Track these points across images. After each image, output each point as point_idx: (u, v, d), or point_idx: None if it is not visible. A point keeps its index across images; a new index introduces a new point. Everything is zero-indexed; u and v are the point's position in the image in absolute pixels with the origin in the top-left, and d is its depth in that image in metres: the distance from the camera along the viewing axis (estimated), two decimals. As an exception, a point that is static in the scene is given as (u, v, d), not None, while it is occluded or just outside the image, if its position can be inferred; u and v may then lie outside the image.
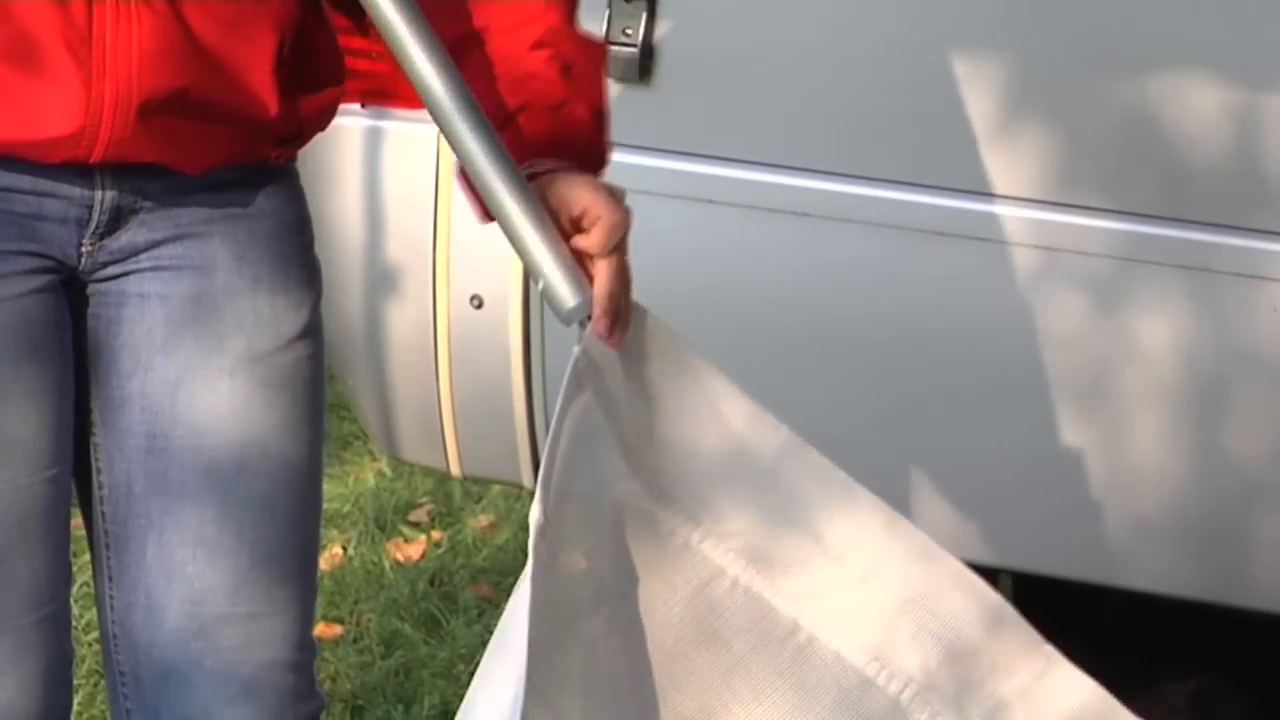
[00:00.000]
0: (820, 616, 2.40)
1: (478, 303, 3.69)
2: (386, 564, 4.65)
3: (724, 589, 2.38)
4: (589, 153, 2.44)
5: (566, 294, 2.31)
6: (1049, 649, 2.48)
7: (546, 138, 2.41)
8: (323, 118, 2.59)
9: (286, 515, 2.46)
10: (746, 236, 3.54)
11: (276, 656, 2.51)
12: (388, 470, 5.11)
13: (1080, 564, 3.51)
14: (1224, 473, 3.45)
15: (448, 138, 2.37)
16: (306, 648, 2.55)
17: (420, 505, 5.01)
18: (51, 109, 2.40)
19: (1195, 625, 3.86)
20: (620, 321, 2.32)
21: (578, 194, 2.33)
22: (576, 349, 2.32)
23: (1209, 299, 3.40)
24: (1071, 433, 3.48)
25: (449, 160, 3.56)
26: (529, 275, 2.42)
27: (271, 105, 2.46)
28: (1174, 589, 3.42)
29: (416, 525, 4.91)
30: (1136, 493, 3.48)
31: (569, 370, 2.30)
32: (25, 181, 2.44)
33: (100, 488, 2.55)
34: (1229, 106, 3.37)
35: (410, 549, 4.79)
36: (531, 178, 2.36)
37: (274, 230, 2.53)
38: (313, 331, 2.51)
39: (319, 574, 2.69)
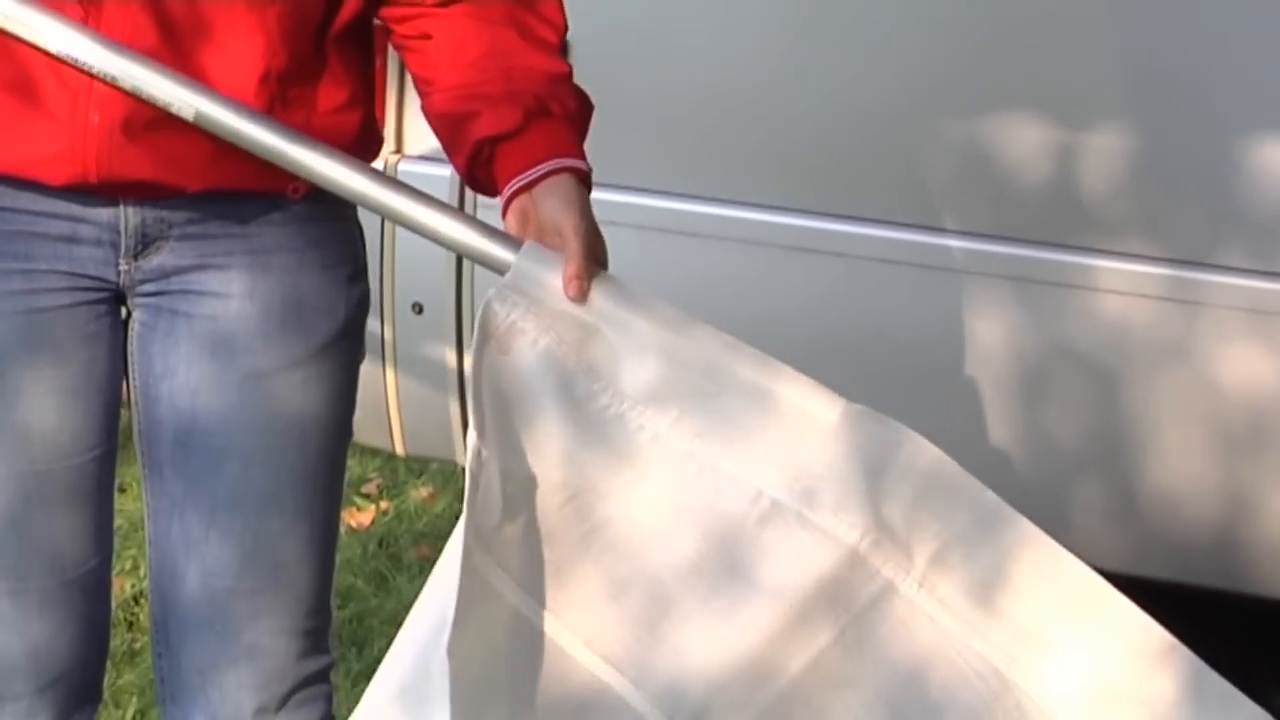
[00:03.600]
0: (777, 483, 2.31)
1: (418, 309, 3.72)
2: (341, 529, 4.65)
3: (693, 471, 2.30)
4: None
5: (505, 258, 2.28)
6: (992, 495, 2.37)
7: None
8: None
9: (292, 506, 2.46)
10: (651, 256, 3.58)
11: (280, 624, 2.51)
12: (343, 450, 5.10)
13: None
14: (1046, 446, 3.57)
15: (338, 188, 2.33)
16: (315, 615, 2.55)
17: (370, 480, 5.03)
18: (43, 131, 2.40)
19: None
20: (586, 274, 2.27)
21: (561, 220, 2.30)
22: (487, 308, 2.27)
23: (1033, 305, 3.53)
24: (918, 417, 3.43)
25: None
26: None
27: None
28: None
29: (368, 496, 4.95)
30: (972, 465, 3.44)
31: (479, 331, 2.26)
32: (59, 207, 2.45)
33: (144, 467, 2.56)
34: (1050, 141, 3.49)
35: (362, 516, 4.82)
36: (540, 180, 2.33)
37: (292, 265, 2.49)
38: (326, 355, 2.48)
39: (330, 548, 2.65)
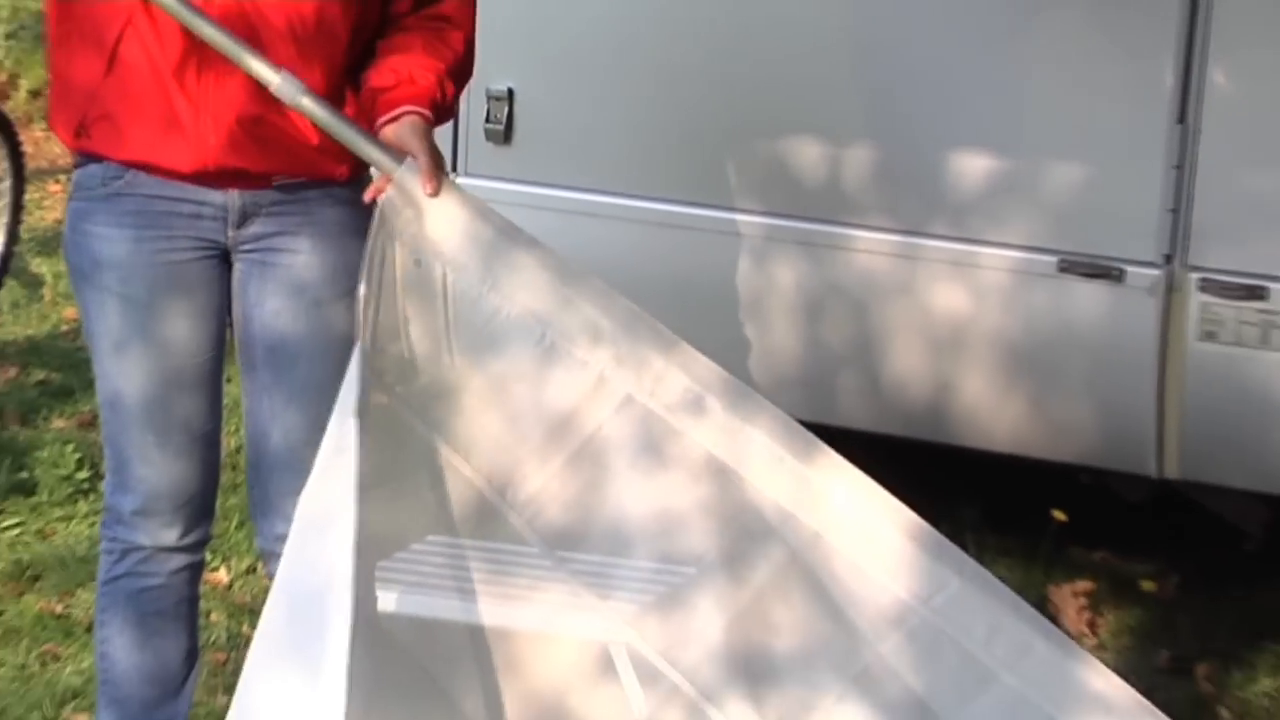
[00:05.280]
0: (556, 327, 2.24)
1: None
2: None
3: (489, 312, 2.25)
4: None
5: (395, 166, 2.31)
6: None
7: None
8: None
9: (330, 391, 2.28)
10: (567, 231, 3.50)
11: None
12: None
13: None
14: (821, 350, 3.56)
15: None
16: None
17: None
18: (178, 140, 2.43)
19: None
20: (438, 179, 2.30)
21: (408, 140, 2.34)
22: (381, 198, 2.28)
23: (815, 261, 3.54)
24: (740, 335, 3.57)
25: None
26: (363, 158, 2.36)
27: (311, 134, 2.43)
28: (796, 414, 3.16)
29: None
30: (774, 364, 3.57)
31: (378, 214, 2.26)
32: (189, 194, 2.48)
33: (242, 366, 2.59)
34: (824, 153, 3.48)
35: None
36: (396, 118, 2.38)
37: (338, 233, 2.49)
38: (352, 293, 2.33)
39: None
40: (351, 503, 2.07)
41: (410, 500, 2.30)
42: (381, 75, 2.48)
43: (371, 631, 2.15)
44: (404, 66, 2.48)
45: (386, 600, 2.30)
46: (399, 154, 2.35)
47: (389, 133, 2.40)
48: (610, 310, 2.28)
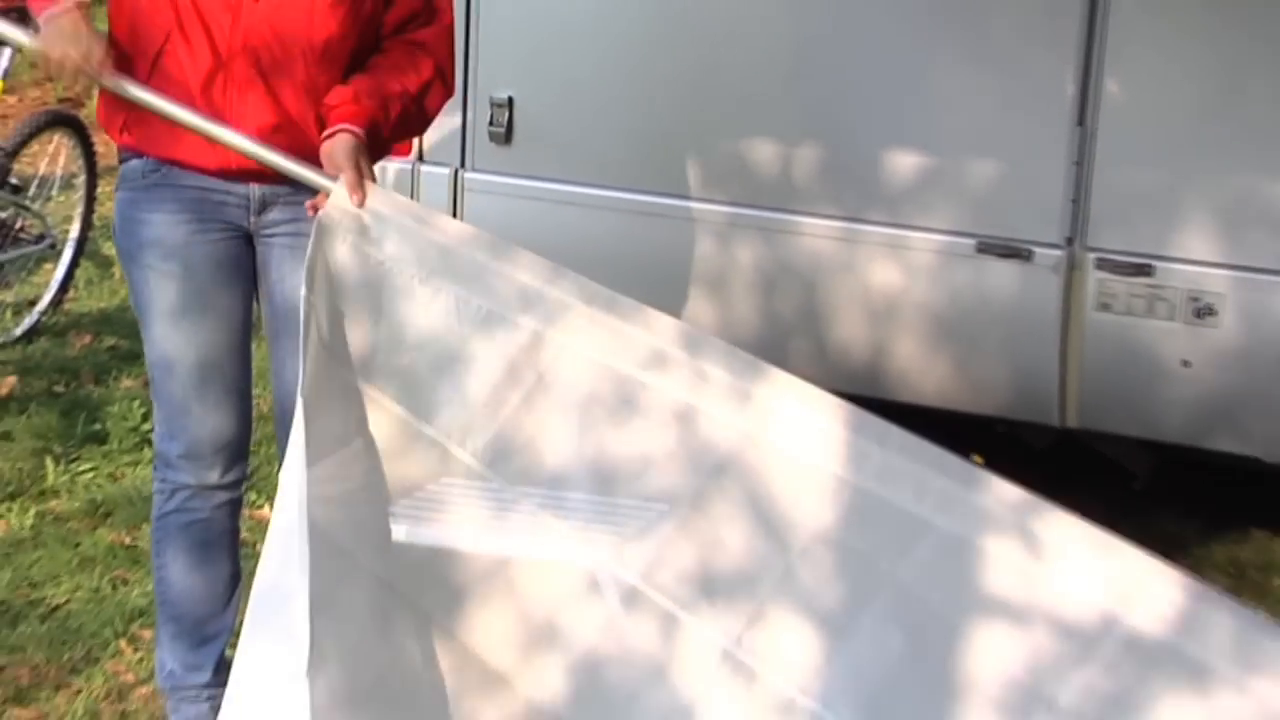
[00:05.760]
0: (491, 300, 2.22)
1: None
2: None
3: (430, 293, 2.22)
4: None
5: (328, 184, 2.31)
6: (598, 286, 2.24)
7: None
8: None
9: None
10: (560, 219, 3.63)
11: None
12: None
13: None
14: (776, 320, 3.58)
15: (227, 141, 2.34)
16: None
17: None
18: (202, 140, 2.42)
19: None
20: (360, 191, 2.29)
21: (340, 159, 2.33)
22: (320, 213, 2.26)
23: (770, 244, 3.55)
24: (706, 310, 3.60)
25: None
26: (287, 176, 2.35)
27: (316, 142, 2.42)
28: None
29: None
30: (735, 329, 3.55)
31: (316, 226, 2.25)
32: (217, 185, 2.49)
33: (268, 333, 2.59)
34: (778, 152, 3.50)
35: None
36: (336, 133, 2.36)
37: None
38: None
39: None
40: (301, 476, 2.07)
41: (378, 461, 2.28)
42: (336, 93, 2.46)
43: (341, 566, 2.14)
44: (355, 87, 2.45)
45: (398, 531, 2.30)
46: (331, 173, 2.34)
47: (324, 148, 2.40)
48: (536, 273, 2.24)
